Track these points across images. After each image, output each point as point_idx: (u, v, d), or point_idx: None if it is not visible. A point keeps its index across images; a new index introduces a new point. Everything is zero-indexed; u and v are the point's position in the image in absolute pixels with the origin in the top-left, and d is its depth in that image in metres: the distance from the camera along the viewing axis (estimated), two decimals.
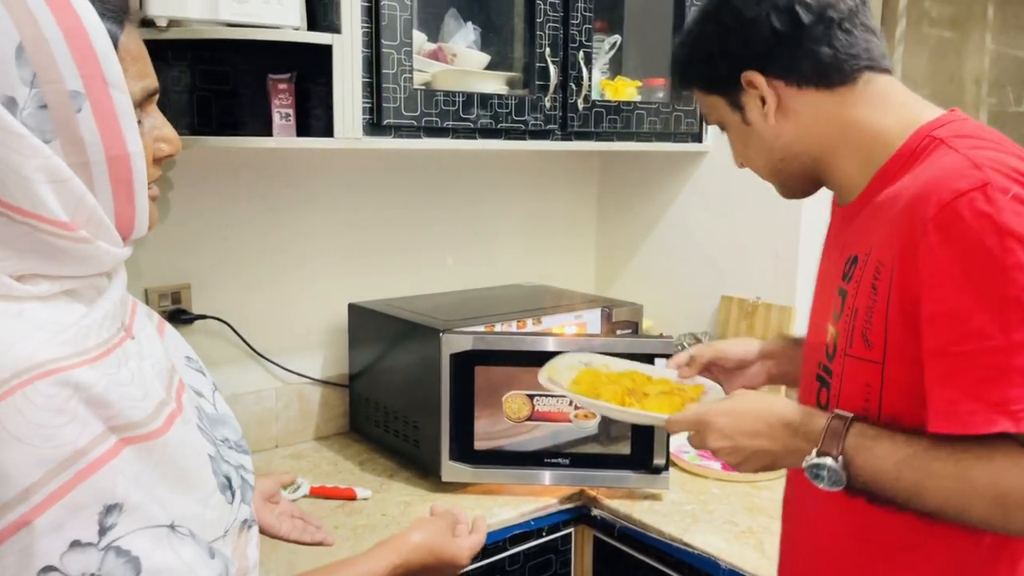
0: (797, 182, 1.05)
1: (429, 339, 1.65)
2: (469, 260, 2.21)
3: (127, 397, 0.69)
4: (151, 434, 0.70)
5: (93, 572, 0.65)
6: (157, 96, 0.81)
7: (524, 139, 1.79)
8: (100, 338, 0.71)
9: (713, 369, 1.27)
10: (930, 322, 0.84)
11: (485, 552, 1.58)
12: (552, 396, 1.65)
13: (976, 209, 0.81)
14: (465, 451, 1.66)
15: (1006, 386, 0.80)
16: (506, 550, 1.61)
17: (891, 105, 0.97)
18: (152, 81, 0.79)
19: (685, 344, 1.99)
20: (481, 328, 1.70)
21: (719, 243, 2.17)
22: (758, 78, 0.98)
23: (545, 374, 1.26)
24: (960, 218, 0.81)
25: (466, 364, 1.64)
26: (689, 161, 2.20)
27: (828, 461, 0.89)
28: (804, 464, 0.91)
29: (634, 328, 1.93)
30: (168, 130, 0.82)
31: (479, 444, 1.66)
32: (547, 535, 1.66)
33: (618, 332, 1.91)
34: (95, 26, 0.70)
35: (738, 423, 0.95)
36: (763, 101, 0.99)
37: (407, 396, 1.78)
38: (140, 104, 0.76)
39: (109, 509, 0.66)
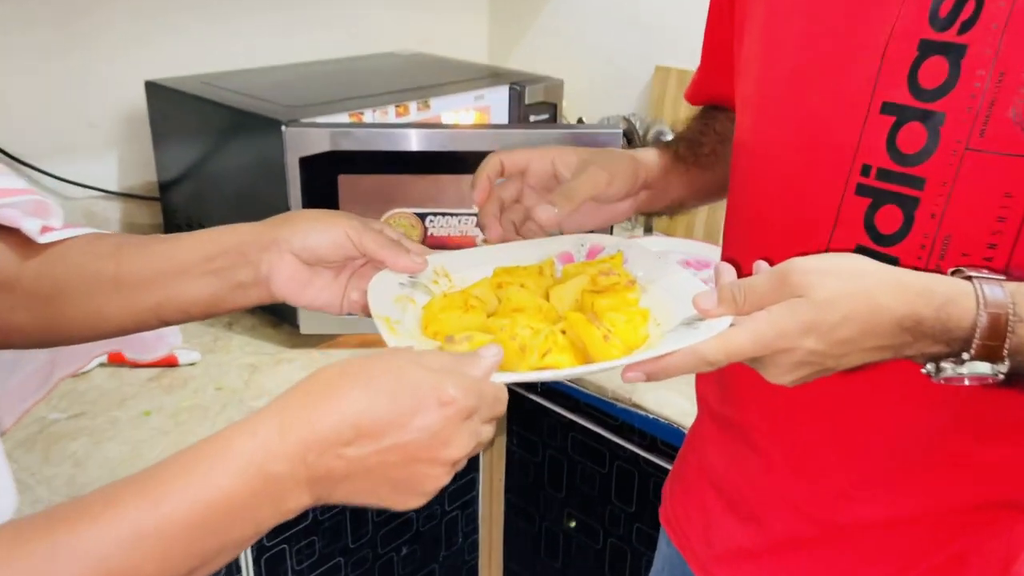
0: None
1: (266, 135, 1.12)
2: (320, 20, 1.61)
3: None
4: None
5: None
6: None
7: None
8: None
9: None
10: None
11: None
12: (450, 214, 1.18)
13: None
14: None
15: None
16: None
17: None
18: None
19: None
20: (344, 118, 1.18)
21: None
22: None
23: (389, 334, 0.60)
24: None
25: (324, 172, 1.13)
26: None
27: (984, 368, 0.53)
28: (940, 375, 0.54)
29: (552, 112, 1.44)
30: None
31: None
32: None
33: (531, 118, 1.42)
34: None
35: (830, 340, 0.51)
36: None
37: (243, 215, 1.26)
38: None
39: None
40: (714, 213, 1.62)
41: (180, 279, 0.65)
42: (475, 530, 1.40)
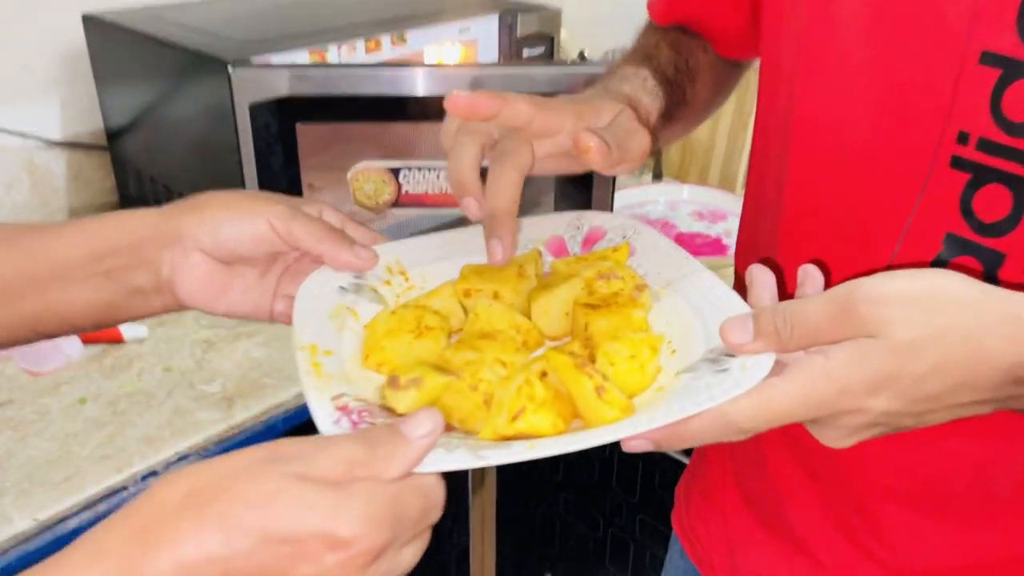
0: None
1: (212, 78, 0.97)
2: None
3: None
4: None
5: None
6: None
7: None
8: None
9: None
10: None
11: None
12: (428, 168, 1.02)
13: None
14: None
15: None
16: None
17: None
18: None
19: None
20: (304, 57, 1.03)
21: None
22: None
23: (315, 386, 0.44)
24: None
25: (281, 120, 0.98)
26: None
27: None
28: None
29: (548, 46, 1.28)
30: None
31: None
32: None
33: (525, 52, 1.26)
34: None
35: (912, 397, 0.37)
36: None
37: (197, 167, 1.12)
38: None
39: None
40: (730, 157, 1.46)
41: (60, 284, 0.51)
42: (466, 512, 1.29)
